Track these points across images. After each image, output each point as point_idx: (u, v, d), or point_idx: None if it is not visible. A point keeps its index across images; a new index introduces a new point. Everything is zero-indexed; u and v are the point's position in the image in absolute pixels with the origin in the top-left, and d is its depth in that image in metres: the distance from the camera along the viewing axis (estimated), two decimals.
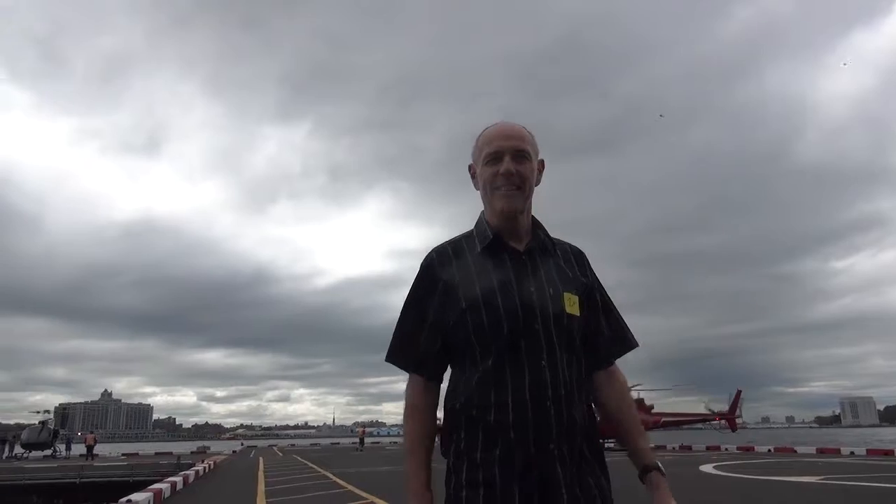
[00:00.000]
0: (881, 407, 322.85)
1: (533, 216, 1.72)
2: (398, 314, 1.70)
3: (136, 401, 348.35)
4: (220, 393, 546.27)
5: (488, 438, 1.52)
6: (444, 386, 1.68)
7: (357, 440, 48.40)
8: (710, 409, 38.62)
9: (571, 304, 1.62)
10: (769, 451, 27.79)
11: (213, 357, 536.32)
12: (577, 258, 1.76)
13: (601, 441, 1.67)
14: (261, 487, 14.96)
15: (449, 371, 1.67)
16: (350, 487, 13.88)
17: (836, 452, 24.93)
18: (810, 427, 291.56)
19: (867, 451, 24.46)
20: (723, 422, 37.47)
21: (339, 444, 70.91)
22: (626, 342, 1.79)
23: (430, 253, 1.71)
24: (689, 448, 32.10)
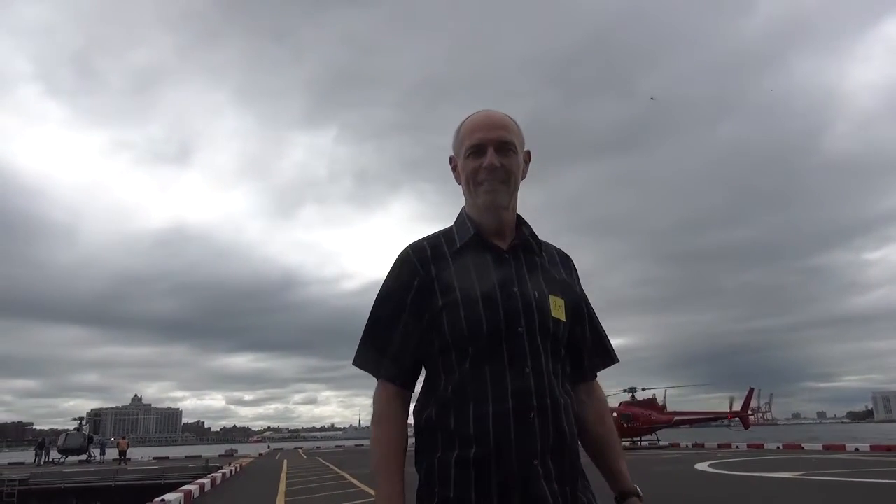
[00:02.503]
0: None
1: (518, 213, 1.60)
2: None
3: (165, 405, 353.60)
4: (248, 396, 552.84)
5: (464, 453, 1.37)
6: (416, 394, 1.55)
7: None
8: (731, 405, 39.02)
9: (557, 308, 1.49)
10: (777, 447, 28.26)
11: (242, 361, 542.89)
12: (563, 262, 1.64)
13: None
14: (282, 488, 16.12)
15: (422, 378, 1.53)
16: (363, 487, 14.95)
17: (842, 449, 25.38)
18: (842, 422, 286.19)
19: (871, 446, 24.89)
20: (736, 420, 37.88)
21: (362, 445, 72.14)
22: (608, 356, 1.69)
23: (405, 249, 1.56)
24: (702, 446, 32.71)
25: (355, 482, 16.40)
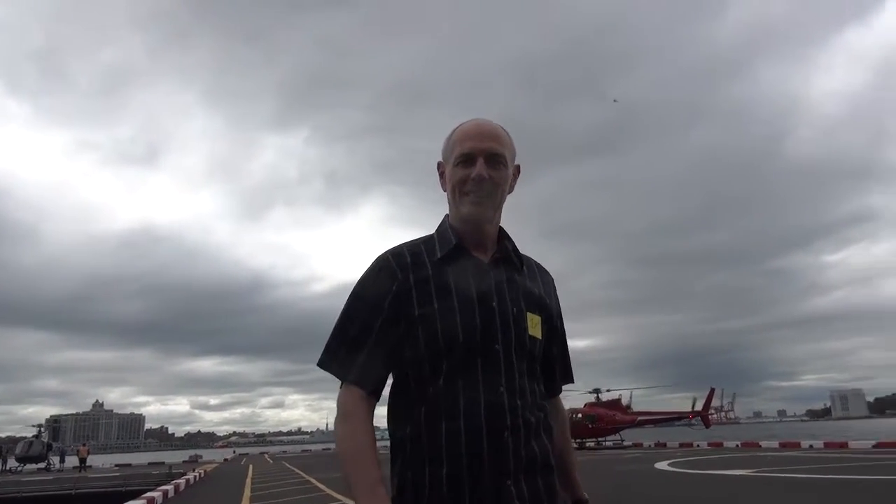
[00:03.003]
0: (871, 399, 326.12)
1: (501, 227, 1.57)
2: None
3: (128, 411, 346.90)
4: (213, 401, 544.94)
5: (436, 471, 1.33)
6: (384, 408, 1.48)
7: None
8: (694, 404, 39.86)
9: (534, 326, 1.48)
10: (736, 446, 29.00)
11: (208, 365, 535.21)
12: (543, 278, 1.61)
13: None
14: (247, 493, 16.07)
15: (389, 391, 1.48)
16: (329, 491, 14.99)
17: (797, 446, 26.19)
18: (801, 420, 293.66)
19: (824, 444, 25.74)
20: (698, 419, 38.72)
21: (329, 449, 71.69)
22: (569, 375, 1.68)
23: (384, 254, 1.51)
24: (664, 445, 33.41)
25: (322, 487, 16.42)
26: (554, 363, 1.60)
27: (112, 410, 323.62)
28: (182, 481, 19.20)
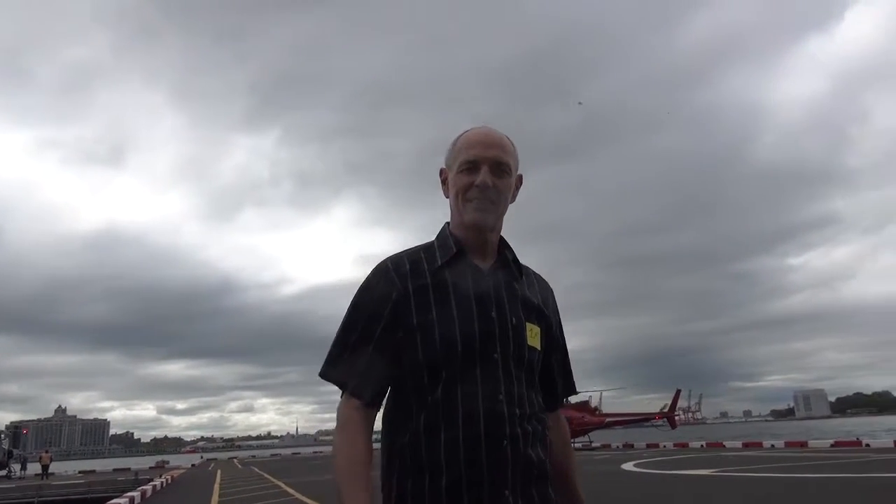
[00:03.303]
0: (833, 399, 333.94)
1: (501, 236, 1.57)
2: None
3: (92, 416, 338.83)
4: (180, 405, 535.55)
5: (436, 480, 1.33)
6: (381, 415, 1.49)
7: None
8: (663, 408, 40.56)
9: (533, 336, 1.48)
10: (701, 446, 29.62)
11: (175, 369, 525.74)
12: (542, 288, 1.61)
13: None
14: (215, 499, 16.01)
15: (387, 398, 1.47)
16: (298, 496, 15.01)
17: (759, 446, 26.90)
18: (766, 420, 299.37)
19: (785, 443, 26.49)
20: (664, 420, 39.40)
21: (299, 454, 71.13)
22: (571, 386, 1.67)
23: (383, 262, 1.51)
24: (632, 446, 33.97)
25: (291, 491, 16.40)
26: (554, 374, 1.59)
27: (76, 416, 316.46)
28: (149, 487, 18.99)
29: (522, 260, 1.61)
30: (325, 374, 1.47)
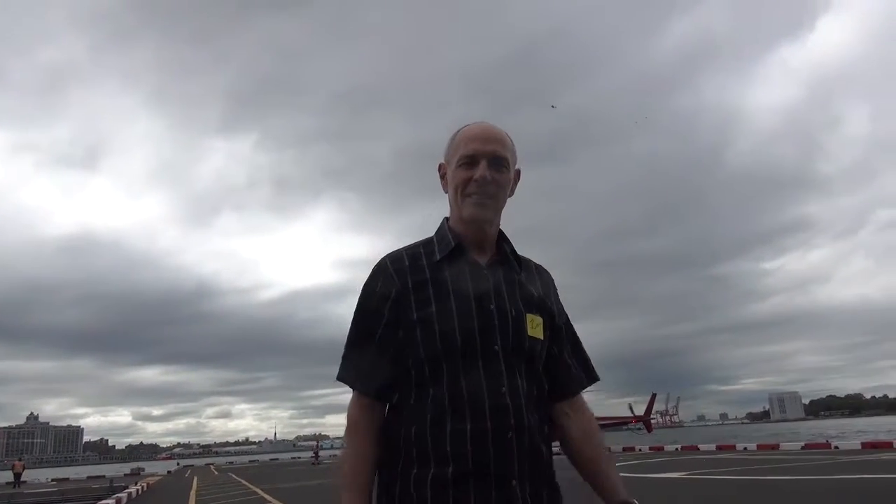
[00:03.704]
0: (807, 401, 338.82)
1: (500, 229, 1.59)
2: (348, 325, 1.54)
3: (65, 423, 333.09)
4: (156, 411, 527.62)
5: (441, 471, 1.35)
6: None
7: (313, 454, 50.59)
8: (631, 410, 41.12)
9: (535, 327, 1.48)
10: (676, 449, 30.01)
11: (151, 374, 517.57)
12: (542, 278, 1.62)
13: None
14: None
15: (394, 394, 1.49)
16: (275, 502, 15.07)
17: (732, 448, 27.34)
18: (742, 423, 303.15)
19: (757, 446, 26.94)
20: (640, 424, 39.91)
21: (277, 459, 70.79)
22: (591, 374, 1.64)
23: (382, 259, 1.53)
24: (608, 450, 34.25)
25: (268, 497, 16.42)
26: (560, 364, 1.57)
27: (48, 423, 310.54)
28: (124, 495, 18.87)
29: None
30: (340, 376, 1.51)
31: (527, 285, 1.54)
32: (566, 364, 1.58)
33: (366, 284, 1.53)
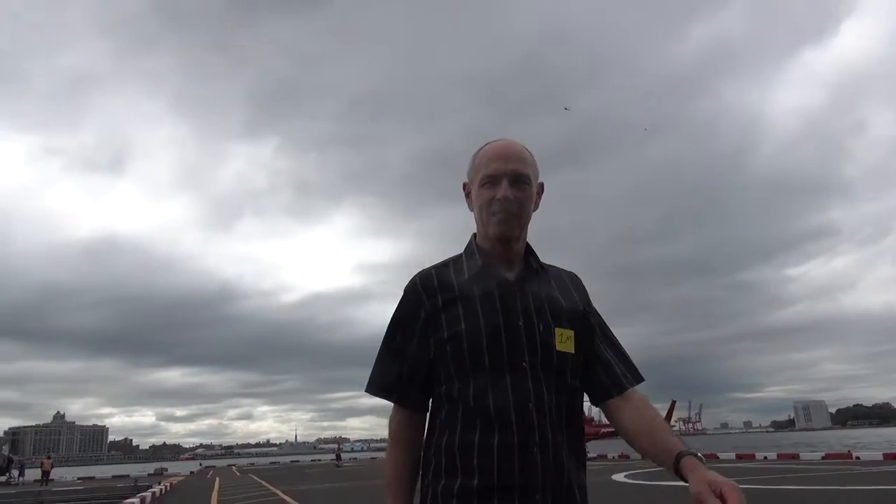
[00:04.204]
0: (833, 410, 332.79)
1: (527, 243, 1.62)
2: (380, 335, 1.59)
3: (90, 422, 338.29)
4: (179, 412, 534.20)
5: (467, 483, 1.39)
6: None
7: (335, 456, 51.39)
8: None
9: (564, 341, 1.50)
10: None
11: (175, 376, 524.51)
12: (573, 284, 1.64)
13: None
14: None
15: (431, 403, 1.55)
16: (295, 502, 15.36)
17: (752, 457, 27.14)
18: (766, 431, 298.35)
19: (777, 455, 26.72)
20: None
21: (298, 461, 71.24)
22: (633, 373, 1.60)
23: (413, 278, 1.58)
24: (627, 457, 34.15)
25: (288, 499, 16.70)
26: (598, 367, 1.57)
27: (74, 422, 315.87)
28: (148, 494, 19.19)
29: None
30: (370, 388, 1.58)
31: (556, 298, 1.56)
32: (607, 362, 1.58)
33: (399, 302, 1.59)
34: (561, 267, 1.68)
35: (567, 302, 1.57)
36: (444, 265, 1.60)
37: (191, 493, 22.65)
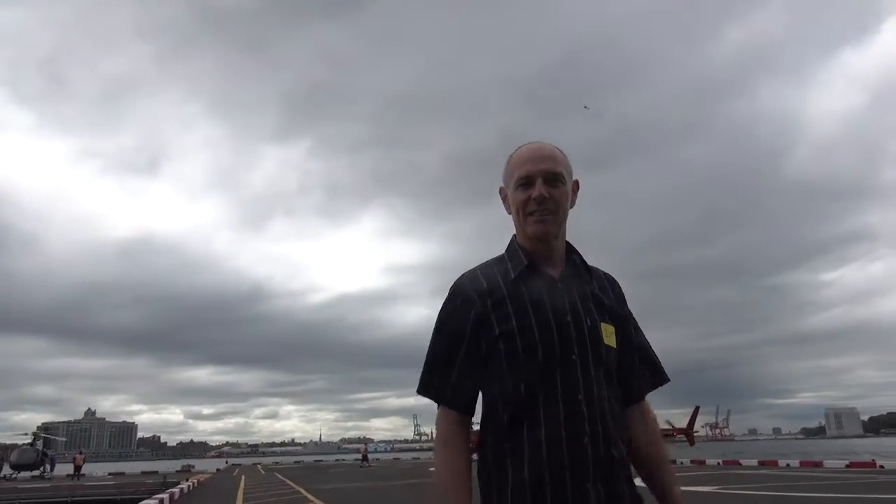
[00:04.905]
0: (865, 417, 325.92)
1: (567, 241, 1.67)
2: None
3: (120, 419, 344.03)
4: (207, 410, 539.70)
5: (519, 476, 1.44)
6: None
7: (360, 457, 52.12)
8: (670, 424, 40.69)
9: (608, 335, 1.56)
10: (718, 463, 29.58)
11: (203, 374, 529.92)
12: (611, 286, 1.70)
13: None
14: (239, 502, 16.82)
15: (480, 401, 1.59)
16: (318, 502, 15.76)
17: (774, 464, 26.92)
18: (796, 438, 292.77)
19: (800, 462, 26.46)
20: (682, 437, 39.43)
21: (322, 461, 71.96)
22: (659, 377, 1.73)
23: (461, 279, 1.63)
24: (669, 456, 34.05)
25: (311, 498, 17.09)
26: (632, 368, 1.65)
27: (104, 419, 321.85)
28: (176, 490, 19.69)
29: None
30: (421, 390, 1.61)
31: (598, 294, 1.63)
32: (634, 371, 1.66)
33: (445, 304, 1.63)
34: (602, 269, 1.74)
35: (608, 300, 1.64)
36: (488, 266, 1.65)
37: (218, 490, 23.19)
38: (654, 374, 1.73)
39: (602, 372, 1.52)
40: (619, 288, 1.73)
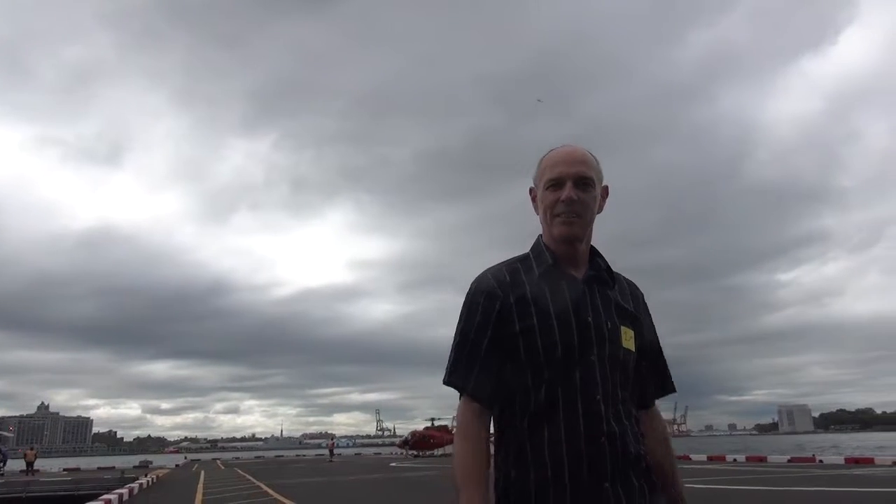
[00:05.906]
0: (816, 414, 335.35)
1: (592, 245, 1.69)
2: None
3: (75, 414, 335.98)
4: (165, 405, 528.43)
5: (539, 474, 1.46)
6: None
7: (328, 452, 52.13)
8: None
9: (628, 339, 1.59)
10: None
11: (162, 368, 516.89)
12: (633, 293, 1.73)
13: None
14: (199, 498, 16.86)
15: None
16: (277, 496, 15.94)
17: (722, 459, 28.01)
18: (750, 434, 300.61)
19: (746, 457, 27.58)
20: None
21: (282, 456, 71.66)
22: (667, 385, 1.76)
23: (483, 274, 1.65)
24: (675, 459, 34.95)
25: (271, 492, 17.24)
26: (646, 376, 1.68)
27: (58, 413, 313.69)
28: (135, 486, 19.66)
29: None
30: (447, 381, 1.61)
31: (619, 299, 1.65)
32: (649, 377, 1.70)
33: (470, 297, 1.64)
34: (625, 275, 1.78)
35: (629, 305, 1.68)
36: (512, 263, 1.68)
37: (177, 486, 23.13)
38: (665, 383, 1.77)
39: (619, 374, 1.56)
40: (642, 295, 1.77)
